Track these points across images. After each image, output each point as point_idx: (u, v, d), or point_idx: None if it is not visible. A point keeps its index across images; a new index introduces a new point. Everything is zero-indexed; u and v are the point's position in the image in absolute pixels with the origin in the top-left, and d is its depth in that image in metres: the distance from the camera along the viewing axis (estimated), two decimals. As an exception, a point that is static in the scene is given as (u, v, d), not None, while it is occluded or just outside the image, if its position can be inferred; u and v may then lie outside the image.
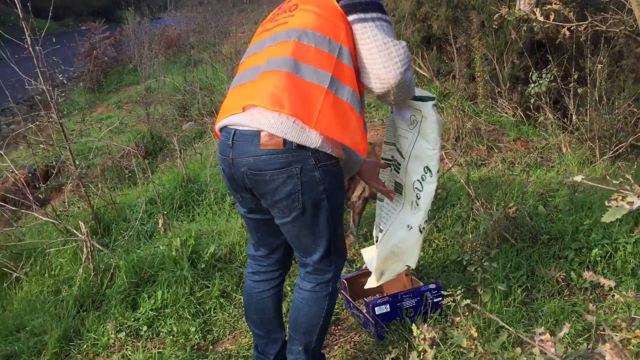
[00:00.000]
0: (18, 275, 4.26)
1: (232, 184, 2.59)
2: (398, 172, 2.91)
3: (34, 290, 4.15)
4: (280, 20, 2.58)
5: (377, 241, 3.14)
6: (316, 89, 2.34)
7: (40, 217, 4.54)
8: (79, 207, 5.29)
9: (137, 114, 9.55)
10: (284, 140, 2.31)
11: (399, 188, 2.93)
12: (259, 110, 2.35)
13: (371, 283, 3.23)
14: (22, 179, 5.03)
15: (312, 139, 2.32)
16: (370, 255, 3.38)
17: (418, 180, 2.80)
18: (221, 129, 2.56)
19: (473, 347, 1.66)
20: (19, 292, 4.19)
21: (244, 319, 3.61)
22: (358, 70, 2.50)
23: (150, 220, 5.09)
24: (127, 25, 15.38)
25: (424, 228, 2.83)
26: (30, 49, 4.18)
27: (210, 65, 11.49)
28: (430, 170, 2.76)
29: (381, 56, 2.40)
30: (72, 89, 12.30)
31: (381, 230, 3.04)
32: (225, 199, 5.31)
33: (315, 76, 2.35)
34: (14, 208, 4.77)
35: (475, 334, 1.70)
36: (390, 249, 2.94)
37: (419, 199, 2.82)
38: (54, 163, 6.50)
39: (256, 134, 2.35)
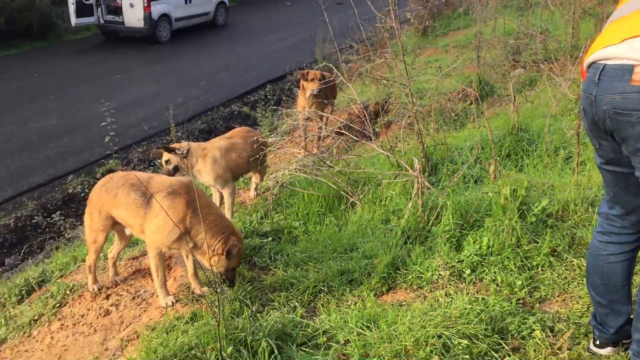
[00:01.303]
0: (353, 200, 4.62)
1: (592, 128, 2.33)
2: None
3: (366, 216, 4.47)
4: None
5: None
6: None
7: (377, 149, 4.82)
8: (408, 144, 5.47)
9: (466, 58, 9.45)
10: None
11: None
12: None
13: None
14: (363, 112, 5.39)
15: None
16: None
17: None
18: (589, 66, 2.30)
19: None
20: (353, 216, 4.57)
21: (575, 282, 3.33)
22: None
23: (476, 164, 5.01)
24: (461, -32, 15.21)
25: None
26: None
27: (546, 9, 10.68)
28: None
29: None
30: (403, 32, 12.77)
31: None
32: (558, 152, 4.92)
33: None
34: (354, 138, 5.15)
35: None
36: None
37: None
38: (393, 98, 6.83)
39: (629, 68, 2.05)
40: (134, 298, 3.89)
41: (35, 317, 4.00)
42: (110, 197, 3.77)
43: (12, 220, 7.72)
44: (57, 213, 7.42)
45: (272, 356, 2.92)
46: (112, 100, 10.89)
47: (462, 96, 7.20)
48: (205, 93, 12.25)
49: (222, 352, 2.85)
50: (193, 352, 2.87)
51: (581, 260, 3.45)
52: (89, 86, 12.61)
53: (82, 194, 8.04)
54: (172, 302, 3.63)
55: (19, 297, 4.44)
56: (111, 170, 8.20)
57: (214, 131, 10.50)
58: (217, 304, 2.90)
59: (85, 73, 13.72)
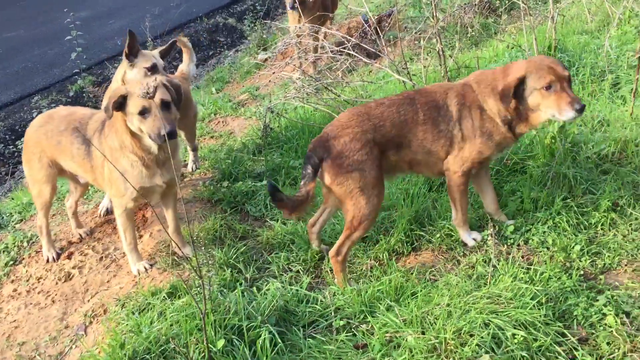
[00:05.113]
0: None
1: None
2: None
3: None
4: None
5: None
6: None
7: (392, 73, 4.04)
8: (425, 67, 4.67)
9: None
10: None
11: None
12: None
13: None
14: (370, 25, 4.53)
15: None
16: None
17: None
18: None
19: None
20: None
21: (647, 248, 2.70)
22: None
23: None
24: None
25: None
26: None
27: None
28: None
29: None
30: None
31: None
32: (604, 76, 4.17)
33: None
34: (360, 57, 4.32)
35: None
36: None
37: None
38: (397, 10, 5.90)
39: None
40: (101, 258, 3.21)
41: (-15, 277, 3.35)
42: (53, 144, 3.01)
43: (-23, 142, 6.95)
44: (22, 140, 6.60)
45: (274, 346, 2.30)
46: (84, 9, 9.81)
47: (479, 8, 6.34)
48: (187, 2, 11.12)
49: (211, 345, 2.22)
50: (171, 345, 2.22)
51: (651, 218, 2.81)
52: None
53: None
54: (146, 268, 2.96)
55: (-29, 247, 3.76)
56: (81, 90, 7.35)
57: (197, 45, 9.54)
58: (201, 288, 2.23)
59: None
